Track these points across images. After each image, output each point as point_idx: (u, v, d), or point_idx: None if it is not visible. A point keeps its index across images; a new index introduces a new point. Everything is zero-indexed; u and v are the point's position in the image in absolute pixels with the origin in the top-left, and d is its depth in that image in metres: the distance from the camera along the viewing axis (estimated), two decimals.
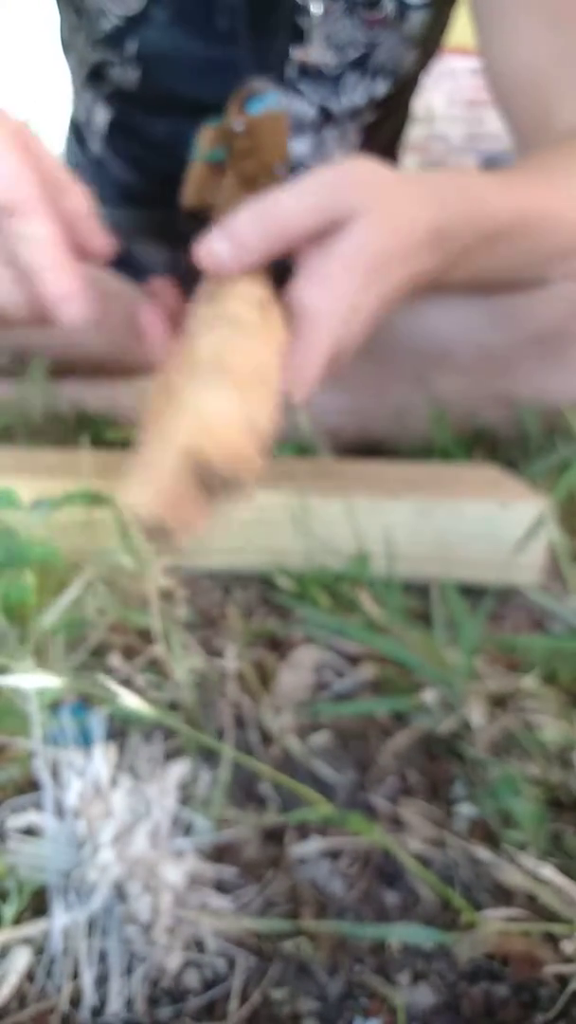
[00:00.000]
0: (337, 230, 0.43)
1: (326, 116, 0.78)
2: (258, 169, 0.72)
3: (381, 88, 0.77)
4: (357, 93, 0.77)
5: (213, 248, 0.44)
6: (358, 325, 0.44)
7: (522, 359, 0.66)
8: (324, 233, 0.43)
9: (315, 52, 0.73)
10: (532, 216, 0.51)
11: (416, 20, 0.73)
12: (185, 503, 0.35)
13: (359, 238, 0.42)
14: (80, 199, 0.46)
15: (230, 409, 0.35)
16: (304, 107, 0.77)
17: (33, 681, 0.27)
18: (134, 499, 0.35)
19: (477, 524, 0.48)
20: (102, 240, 0.47)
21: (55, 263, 0.42)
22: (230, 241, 0.43)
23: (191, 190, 0.74)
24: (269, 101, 0.71)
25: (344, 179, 0.43)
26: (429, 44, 0.78)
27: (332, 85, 0.76)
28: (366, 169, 0.44)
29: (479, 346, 0.66)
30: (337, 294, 0.43)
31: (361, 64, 0.75)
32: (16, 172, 0.40)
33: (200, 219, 0.78)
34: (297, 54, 0.73)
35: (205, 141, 0.71)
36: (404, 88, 0.82)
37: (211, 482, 0.35)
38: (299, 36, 0.73)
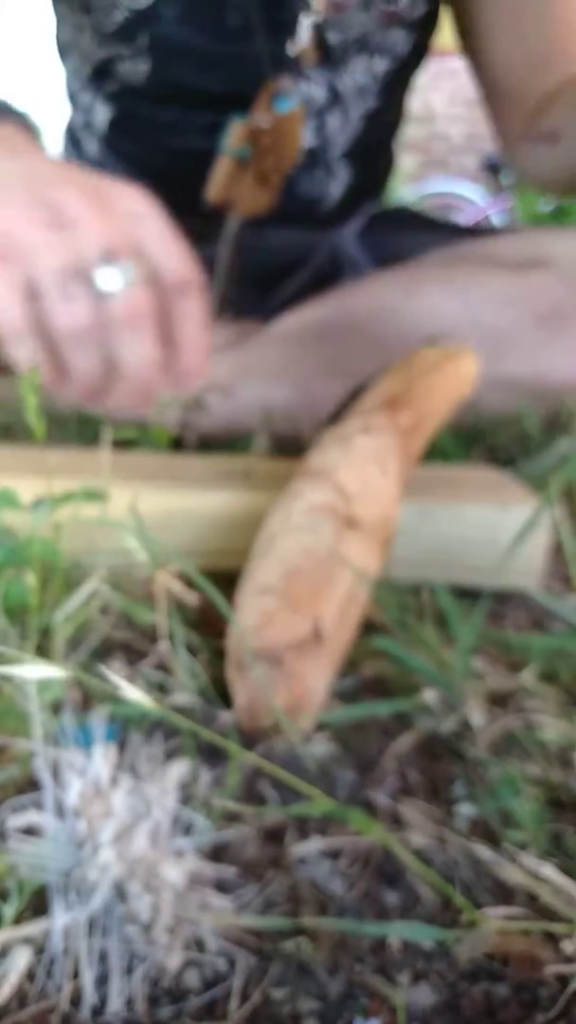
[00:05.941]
0: None
1: (334, 96, 0.79)
2: (275, 166, 0.72)
3: (380, 65, 0.79)
4: (359, 71, 0.79)
5: None
6: None
7: (521, 340, 0.67)
8: None
9: (309, 51, 0.74)
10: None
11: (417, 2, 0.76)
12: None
13: None
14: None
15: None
16: (314, 90, 0.78)
17: (35, 672, 0.27)
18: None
19: (478, 527, 0.48)
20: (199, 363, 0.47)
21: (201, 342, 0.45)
22: None
23: (217, 184, 0.73)
24: (294, 100, 0.71)
25: None
26: (420, 29, 0.79)
27: (336, 66, 0.78)
28: None
29: (479, 327, 0.67)
30: None
31: (360, 43, 0.77)
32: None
33: (200, 217, 0.78)
34: (291, 50, 0.73)
35: (235, 137, 0.71)
36: (401, 72, 0.83)
37: None
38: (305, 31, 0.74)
